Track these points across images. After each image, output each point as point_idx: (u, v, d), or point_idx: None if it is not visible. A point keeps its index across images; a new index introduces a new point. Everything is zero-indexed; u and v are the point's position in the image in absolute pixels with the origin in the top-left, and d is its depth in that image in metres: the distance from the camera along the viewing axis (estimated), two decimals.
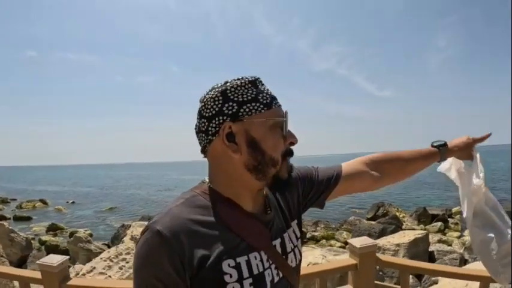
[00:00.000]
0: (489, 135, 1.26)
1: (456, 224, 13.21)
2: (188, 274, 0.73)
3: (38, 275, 1.98)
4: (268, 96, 0.83)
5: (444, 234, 12.07)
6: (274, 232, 0.89)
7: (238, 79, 0.82)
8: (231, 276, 0.76)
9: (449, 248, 8.48)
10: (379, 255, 1.65)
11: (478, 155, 1.23)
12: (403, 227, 12.59)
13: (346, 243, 11.12)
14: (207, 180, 0.87)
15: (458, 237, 11.35)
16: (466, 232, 12.03)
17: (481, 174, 1.19)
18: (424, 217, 13.86)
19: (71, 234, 12.54)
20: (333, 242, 11.79)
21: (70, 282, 1.91)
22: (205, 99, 0.83)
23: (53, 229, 15.54)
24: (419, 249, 7.52)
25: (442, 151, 1.22)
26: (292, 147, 0.86)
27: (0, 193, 32.85)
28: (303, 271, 1.74)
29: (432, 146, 1.23)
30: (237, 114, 0.79)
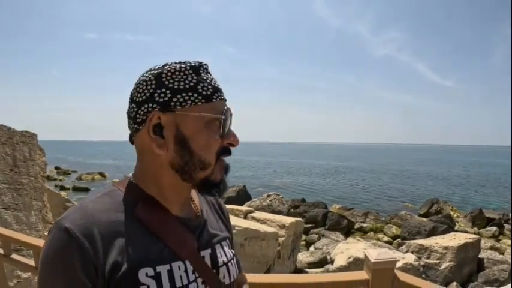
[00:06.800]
0: None
1: None
2: (101, 285, 0.60)
3: None
4: (210, 86, 0.70)
5: (498, 240, 11.04)
6: (203, 241, 0.76)
7: (179, 62, 0.70)
8: (148, 287, 0.63)
9: (500, 257, 7.81)
10: (398, 272, 1.43)
11: None
12: (456, 227, 11.90)
13: (394, 238, 10.91)
14: (131, 175, 0.75)
15: None
16: None
17: None
18: (479, 219, 12.88)
19: None
20: (380, 235, 11.31)
21: None
22: (138, 81, 0.71)
23: None
24: (468, 255, 6.98)
25: None
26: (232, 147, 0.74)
27: (62, 165, 35.47)
28: (301, 279, 1.58)
29: None
30: (169, 104, 0.67)
